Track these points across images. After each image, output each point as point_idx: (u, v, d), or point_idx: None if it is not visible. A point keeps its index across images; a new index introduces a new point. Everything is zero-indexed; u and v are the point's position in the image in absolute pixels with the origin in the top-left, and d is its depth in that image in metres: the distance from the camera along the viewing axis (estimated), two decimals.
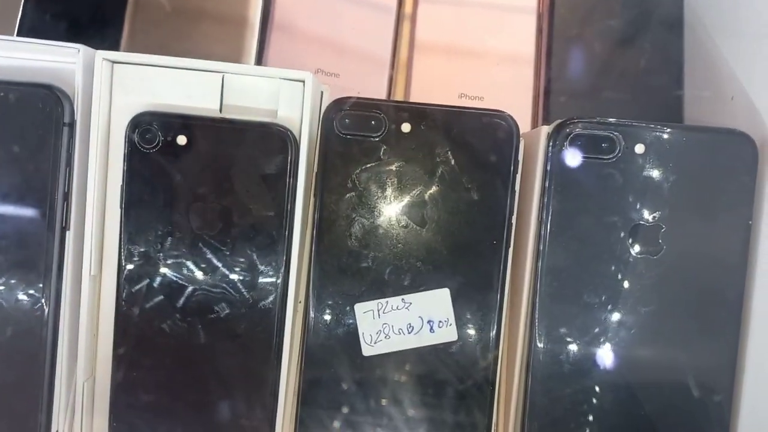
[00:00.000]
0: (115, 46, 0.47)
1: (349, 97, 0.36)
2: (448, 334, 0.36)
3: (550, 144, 0.36)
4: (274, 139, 0.36)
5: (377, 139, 0.36)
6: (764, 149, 0.36)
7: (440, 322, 0.36)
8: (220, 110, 0.37)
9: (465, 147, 0.36)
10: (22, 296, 0.36)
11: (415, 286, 0.36)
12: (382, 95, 0.49)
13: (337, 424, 0.36)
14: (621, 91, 0.47)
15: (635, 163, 0.35)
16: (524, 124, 0.46)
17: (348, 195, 0.36)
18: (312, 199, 0.37)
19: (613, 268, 0.35)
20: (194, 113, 0.36)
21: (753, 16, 0.41)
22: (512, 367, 0.37)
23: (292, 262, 0.36)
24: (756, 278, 0.36)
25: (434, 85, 0.49)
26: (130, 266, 0.36)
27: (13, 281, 0.36)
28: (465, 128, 0.36)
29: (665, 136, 0.35)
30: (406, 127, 0.36)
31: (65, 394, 0.37)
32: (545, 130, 0.36)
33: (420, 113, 0.36)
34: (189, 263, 0.36)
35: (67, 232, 0.36)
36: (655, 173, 0.35)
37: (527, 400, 0.36)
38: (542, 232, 0.36)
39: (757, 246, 0.36)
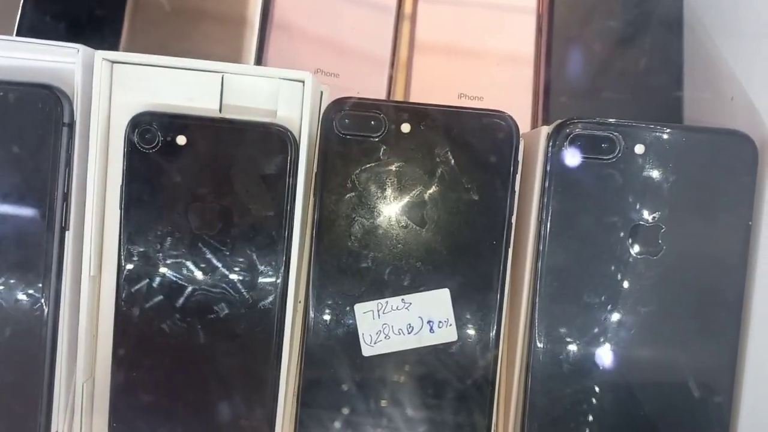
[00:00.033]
0: (114, 46, 0.46)
1: (349, 98, 0.36)
2: (448, 334, 0.36)
3: (550, 144, 0.36)
4: (273, 139, 0.36)
5: (377, 140, 0.36)
6: (764, 150, 0.36)
7: (440, 322, 0.36)
8: (220, 110, 0.37)
9: (465, 147, 0.36)
10: (21, 296, 0.36)
11: (415, 287, 0.36)
12: (382, 95, 0.49)
13: (336, 424, 0.36)
14: (620, 92, 0.47)
15: (635, 163, 0.35)
16: (524, 124, 0.46)
17: (348, 195, 0.36)
18: (312, 199, 0.37)
19: (612, 268, 0.35)
20: (194, 113, 0.36)
21: (753, 16, 0.41)
22: (512, 368, 0.37)
23: (292, 262, 0.36)
24: (756, 279, 0.36)
25: (434, 85, 0.49)
26: (129, 266, 0.36)
27: (12, 281, 0.35)
28: (465, 128, 0.36)
29: (665, 136, 0.35)
30: (405, 128, 0.36)
31: (65, 395, 0.37)
32: (545, 130, 0.36)
33: (420, 113, 0.36)
34: (188, 263, 0.36)
35: (67, 233, 0.36)
36: (655, 174, 0.35)
37: (527, 400, 0.36)
38: (542, 233, 0.36)
39: (757, 246, 0.36)
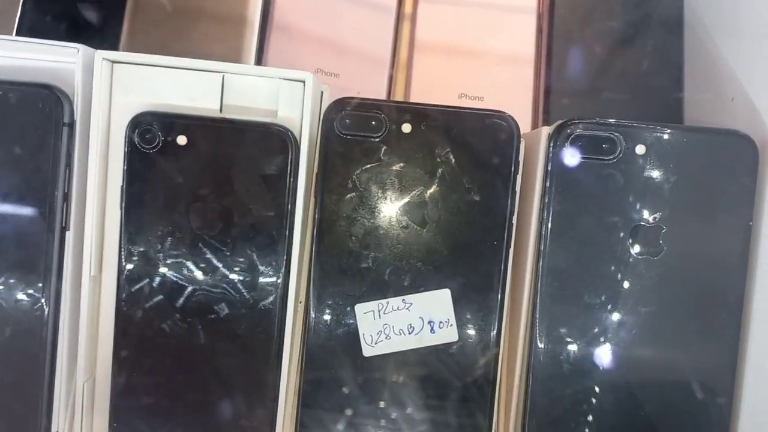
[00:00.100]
0: (114, 46, 0.46)
1: (350, 98, 0.36)
2: (448, 334, 0.36)
3: (551, 145, 0.36)
4: (274, 139, 0.36)
5: (378, 140, 0.36)
6: (764, 150, 0.36)
7: (441, 322, 0.36)
8: (221, 110, 0.37)
9: (466, 147, 0.36)
10: (22, 296, 0.35)
11: (416, 287, 0.36)
12: (382, 95, 0.49)
13: (337, 424, 0.36)
14: (621, 92, 0.47)
15: (636, 163, 0.35)
16: (524, 124, 0.46)
17: (348, 195, 0.36)
18: (312, 199, 0.37)
19: (613, 268, 0.36)
20: (194, 113, 0.36)
21: (753, 16, 0.41)
22: (513, 368, 0.37)
23: (293, 262, 0.36)
24: (756, 279, 0.36)
25: (434, 85, 0.49)
26: (130, 266, 0.36)
27: (13, 281, 0.35)
28: (466, 129, 0.36)
29: (666, 136, 0.35)
30: (406, 128, 0.36)
31: (65, 395, 0.37)
32: (546, 130, 0.36)
33: (420, 114, 0.36)
34: (189, 263, 0.36)
35: (67, 233, 0.36)
36: (656, 174, 0.35)
37: (528, 400, 0.36)
38: (543, 233, 0.36)
39: (758, 247, 0.36)
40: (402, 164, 0.36)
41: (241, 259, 0.36)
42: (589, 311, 0.36)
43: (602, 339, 0.36)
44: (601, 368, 0.36)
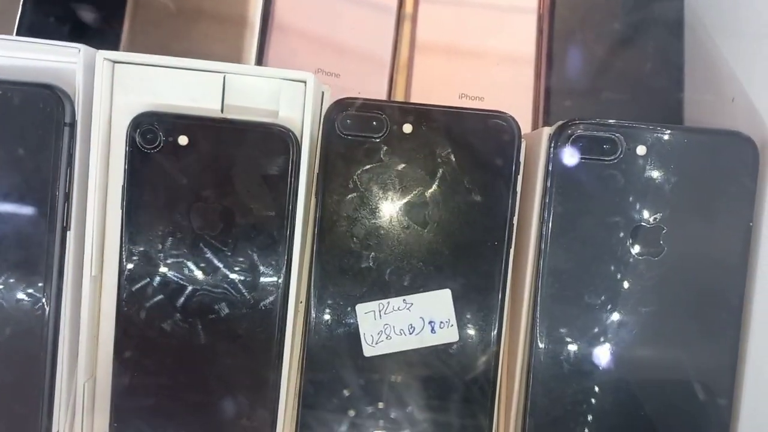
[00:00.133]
0: (114, 46, 0.46)
1: (351, 98, 0.36)
2: (449, 334, 0.36)
3: (552, 145, 0.36)
4: (275, 139, 0.36)
5: (378, 140, 0.36)
6: (765, 151, 0.36)
7: (441, 322, 0.36)
8: (222, 110, 0.37)
9: (466, 148, 0.36)
10: (22, 296, 0.35)
11: (417, 287, 0.36)
12: (383, 95, 0.49)
13: (338, 424, 0.36)
14: (621, 92, 0.47)
15: (637, 164, 0.35)
16: (524, 125, 0.46)
17: (349, 196, 0.36)
18: (313, 199, 0.37)
19: (614, 269, 0.36)
20: (195, 113, 0.36)
21: (753, 16, 0.41)
22: (513, 368, 0.37)
23: (294, 262, 0.36)
24: (756, 280, 0.36)
25: (435, 86, 0.49)
26: (130, 266, 0.36)
27: (14, 281, 0.35)
28: (466, 129, 0.36)
29: (666, 137, 0.35)
30: (407, 128, 0.36)
31: (66, 395, 0.37)
32: (547, 131, 0.36)
33: (421, 114, 0.36)
34: (190, 264, 0.36)
35: (68, 233, 0.36)
36: (657, 174, 0.35)
37: (528, 400, 0.36)
38: (544, 233, 0.36)
39: (758, 248, 0.36)
40: (403, 164, 0.36)
41: (242, 260, 0.36)
42: (589, 311, 0.36)
43: (602, 339, 0.36)
44: (601, 368, 0.36)
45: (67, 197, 0.36)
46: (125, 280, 0.36)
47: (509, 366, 0.38)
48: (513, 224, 0.36)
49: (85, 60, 0.36)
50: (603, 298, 0.36)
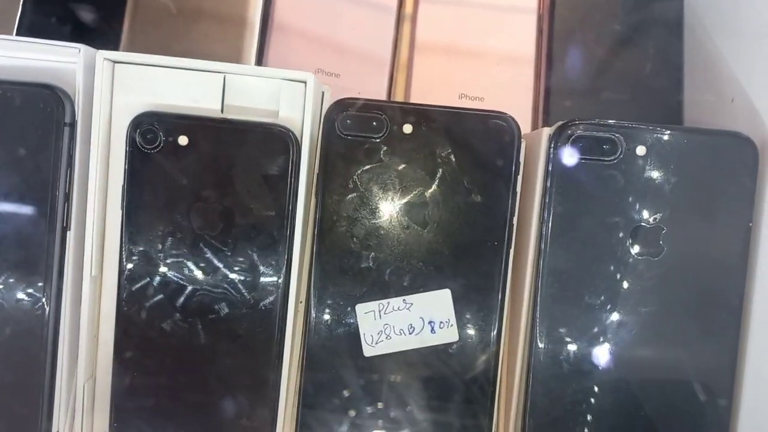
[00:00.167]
0: (114, 47, 0.46)
1: (351, 98, 0.36)
2: (449, 334, 0.36)
3: (552, 145, 0.36)
4: (275, 139, 0.36)
5: (378, 140, 0.36)
6: (764, 151, 0.36)
7: (441, 322, 0.36)
8: (222, 111, 0.37)
9: (466, 148, 0.36)
10: (22, 296, 0.35)
11: (416, 287, 0.36)
12: (383, 95, 0.49)
13: (338, 424, 0.36)
14: (621, 93, 0.47)
15: (636, 164, 0.35)
16: (524, 125, 0.46)
17: (349, 196, 0.36)
18: (313, 199, 0.37)
19: (613, 269, 0.36)
20: (196, 113, 0.36)
21: (753, 16, 0.41)
22: (513, 368, 0.37)
23: (294, 262, 0.36)
24: (756, 280, 0.36)
25: (434, 86, 0.49)
26: (130, 266, 0.36)
27: (14, 281, 0.35)
28: (466, 129, 0.36)
29: (666, 137, 0.35)
30: (407, 128, 0.36)
31: (66, 395, 0.37)
32: (547, 131, 0.36)
33: (421, 114, 0.36)
34: (190, 264, 0.36)
35: (68, 233, 0.36)
36: (656, 175, 0.35)
37: (528, 400, 0.36)
38: (543, 233, 0.36)
39: (758, 248, 0.36)
40: (403, 165, 0.36)
41: (242, 259, 0.36)
42: (589, 311, 0.36)
43: (602, 339, 0.36)
44: (600, 368, 0.36)
45: (67, 197, 0.36)
46: (125, 280, 0.36)
47: (509, 366, 0.38)
48: (513, 224, 0.36)
49: (85, 60, 0.36)
50: (603, 298, 0.36)
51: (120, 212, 0.36)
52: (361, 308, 0.36)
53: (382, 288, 0.36)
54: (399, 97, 0.49)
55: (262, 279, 0.36)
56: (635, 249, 0.36)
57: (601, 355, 0.36)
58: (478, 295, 0.36)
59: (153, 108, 0.36)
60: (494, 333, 0.36)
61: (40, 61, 0.37)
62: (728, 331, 0.35)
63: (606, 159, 0.36)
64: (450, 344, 0.36)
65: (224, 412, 0.36)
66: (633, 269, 0.36)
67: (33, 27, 0.47)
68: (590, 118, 0.36)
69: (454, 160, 0.36)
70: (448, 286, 0.36)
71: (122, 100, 0.37)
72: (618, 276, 0.36)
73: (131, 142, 0.36)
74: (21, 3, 0.47)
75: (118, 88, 0.37)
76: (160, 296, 0.36)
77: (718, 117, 0.42)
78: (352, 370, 0.36)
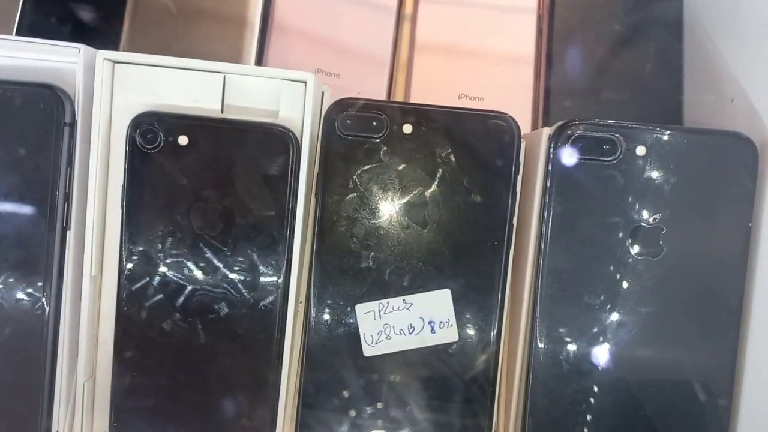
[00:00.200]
0: (113, 47, 0.46)
1: (351, 98, 0.36)
2: (449, 334, 0.36)
3: (552, 145, 0.36)
4: (275, 139, 0.36)
5: (378, 140, 0.36)
6: (764, 151, 0.36)
7: (441, 322, 0.36)
8: (222, 110, 0.37)
9: (466, 148, 0.36)
10: (22, 296, 0.36)
11: (416, 287, 0.36)
12: (382, 95, 0.49)
13: (338, 424, 0.36)
14: (620, 93, 0.47)
15: (636, 164, 0.35)
16: (524, 125, 0.46)
17: (349, 196, 0.36)
18: (313, 199, 0.37)
19: (613, 269, 0.36)
20: (196, 113, 0.36)
21: (753, 16, 0.41)
22: (513, 368, 0.37)
23: (293, 262, 0.36)
24: (756, 280, 0.36)
25: (434, 86, 0.49)
26: (130, 266, 0.36)
27: (13, 281, 0.35)
28: (466, 129, 0.36)
29: (666, 138, 0.35)
30: (407, 128, 0.36)
31: (65, 394, 0.37)
32: (546, 131, 0.36)
33: (421, 114, 0.36)
34: (190, 263, 0.36)
35: (68, 232, 0.36)
36: (656, 175, 0.35)
37: (528, 400, 0.36)
38: (543, 233, 0.36)
39: (757, 248, 0.36)
40: (403, 165, 0.36)
41: (242, 259, 0.36)
42: (589, 311, 0.36)
43: (602, 339, 0.36)
44: (600, 368, 0.36)
45: (67, 197, 0.36)
46: (125, 279, 0.36)
47: (509, 366, 0.38)
48: (513, 224, 0.36)
49: (85, 60, 0.36)
50: (602, 298, 0.36)
51: (120, 212, 0.36)
52: (361, 308, 0.36)
53: (382, 288, 0.36)
54: (399, 97, 0.50)
55: (262, 279, 0.36)
56: (635, 249, 0.36)
57: (601, 355, 0.36)
58: (478, 295, 0.36)
59: (153, 108, 0.36)
60: (494, 333, 0.36)
61: (40, 61, 0.37)
62: (728, 331, 0.35)
63: (606, 159, 0.36)
64: (450, 344, 0.36)
65: (224, 412, 0.36)
66: (633, 269, 0.36)
67: (32, 27, 0.47)
68: (590, 118, 0.36)
69: (454, 160, 0.36)
70: (448, 286, 0.36)
71: (122, 99, 0.37)
72: (618, 276, 0.36)
73: (131, 142, 0.36)
74: (21, 3, 0.47)
75: (118, 88, 0.37)
76: (160, 296, 0.36)
77: (717, 117, 0.42)
78: (352, 370, 0.36)
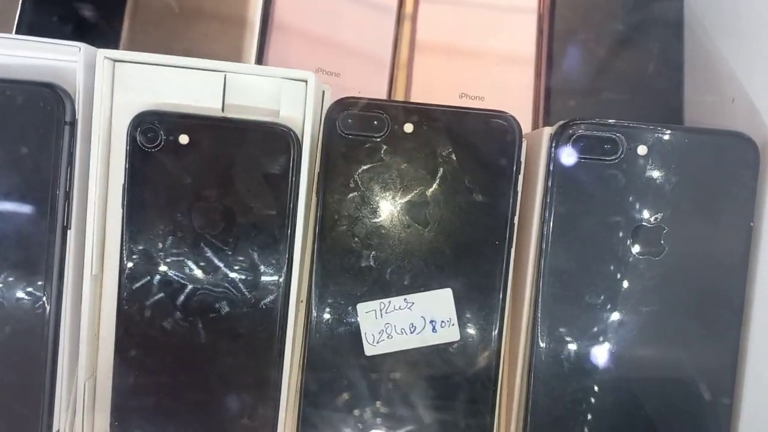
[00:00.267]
0: (114, 46, 0.46)
1: (352, 98, 0.36)
2: (450, 334, 0.36)
3: (553, 145, 0.36)
4: (276, 138, 0.36)
5: (379, 139, 0.36)
6: (765, 151, 0.36)
7: (443, 322, 0.36)
8: (223, 109, 0.37)
9: (467, 147, 0.36)
10: (23, 295, 0.35)
11: (418, 286, 0.36)
12: (383, 95, 0.49)
13: (339, 423, 0.36)
14: (621, 92, 0.47)
15: (637, 164, 0.35)
16: (524, 124, 0.46)
17: (350, 195, 0.36)
18: (314, 198, 0.37)
19: (615, 268, 0.36)
20: (196, 112, 0.36)
21: (753, 16, 0.41)
22: (514, 367, 0.37)
23: (294, 261, 0.36)
24: (757, 280, 0.36)
25: (435, 85, 0.49)
26: (131, 265, 0.36)
27: (14, 280, 0.35)
28: (467, 129, 0.36)
29: (667, 137, 0.35)
30: (408, 128, 0.36)
31: (66, 393, 0.37)
32: (548, 130, 0.36)
33: (422, 113, 0.36)
34: (191, 263, 0.36)
35: (69, 232, 0.36)
36: (657, 174, 0.35)
37: (529, 399, 0.36)
38: (545, 233, 0.36)
39: (758, 247, 0.36)
40: (404, 164, 0.36)
41: (243, 259, 0.36)
42: (590, 311, 0.36)
43: (603, 339, 0.36)
44: (601, 368, 0.36)
45: (68, 196, 0.36)
46: (126, 279, 0.36)
47: (510, 365, 0.38)
48: (514, 224, 0.36)
49: (85, 59, 0.36)
50: (604, 297, 0.36)
51: (121, 211, 0.36)
52: (362, 307, 0.36)
53: (383, 287, 0.36)
54: (399, 96, 0.50)
55: (263, 278, 0.36)
56: (636, 248, 0.36)
57: (602, 354, 0.36)
58: (479, 295, 0.36)
59: (154, 107, 0.36)
60: (495, 332, 0.36)
61: (41, 60, 0.37)
62: (729, 330, 0.35)
63: (607, 158, 0.36)
64: (451, 343, 0.36)
65: (225, 412, 0.36)
66: (634, 269, 0.36)
67: (32, 26, 0.47)
68: (591, 117, 0.36)
69: (455, 159, 0.36)
70: (449, 286, 0.36)
71: (123, 98, 0.37)
72: (619, 276, 0.36)
73: (132, 141, 0.36)
74: (20, 1, 0.47)
75: (118, 87, 0.37)
76: (161, 295, 0.36)
77: (718, 117, 0.42)
78: (354, 370, 0.36)
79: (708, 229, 0.35)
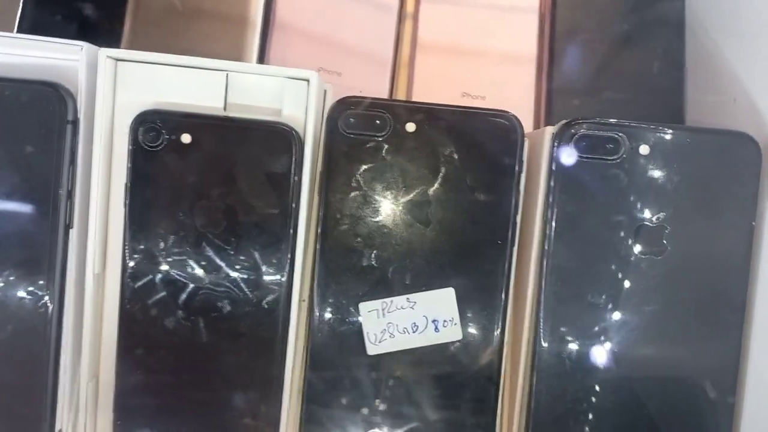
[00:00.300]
0: (115, 45, 0.46)
1: (354, 97, 0.36)
2: (452, 333, 0.36)
3: (555, 144, 0.36)
4: (278, 137, 0.36)
5: (381, 139, 0.36)
6: (767, 151, 0.36)
7: (445, 321, 0.36)
8: (225, 109, 0.37)
9: (469, 147, 0.36)
10: (25, 294, 0.35)
11: (420, 286, 0.36)
12: (384, 94, 0.49)
13: (341, 422, 0.36)
14: (623, 92, 0.47)
15: (639, 164, 0.36)
16: (526, 124, 0.46)
17: (352, 194, 0.36)
18: (316, 197, 0.37)
19: (617, 268, 0.36)
20: (198, 111, 0.36)
21: (754, 16, 0.41)
22: (517, 366, 0.37)
23: (297, 260, 0.36)
24: (759, 279, 0.36)
25: (436, 85, 0.49)
26: (133, 264, 0.36)
27: (16, 279, 0.35)
28: (469, 128, 0.36)
29: (669, 137, 0.36)
30: (410, 127, 0.36)
31: (69, 393, 0.37)
32: (550, 130, 0.36)
33: (424, 113, 0.36)
34: (193, 262, 0.36)
35: (71, 231, 0.36)
36: (660, 174, 0.35)
37: (531, 398, 0.36)
38: (547, 232, 0.36)
39: (761, 247, 0.36)
40: (406, 163, 0.36)
41: (245, 258, 0.36)
42: (592, 310, 0.36)
43: (605, 338, 0.36)
44: (604, 367, 0.36)
45: (70, 195, 0.36)
46: (128, 278, 0.36)
47: (513, 364, 0.38)
48: (516, 223, 0.36)
49: (87, 58, 0.36)
50: (606, 297, 0.36)
51: (123, 210, 0.36)
52: (364, 306, 0.36)
53: (385, 286, 0.36)
54: (401, 95, 0.49)
55: (265, 277, 0.36)
56: (638, 248, 0.36)
57: (604, 353, 0.36)
58: (481, 294, 0.36)
59: (156, 106, 0.36)
60: (498, 331, 0.36)
61: (42, 59, 0.37)
62: (731, 330, 0.35)
63: (609, 158, 0.36)
64: (454, 343, 0.36)
65: (228, 411, 0.36)
66: (636, 268, 0.36)
67: (34, 25, 0.47)
68: (593, 117, 0.36)
69: (457, 158, 0.36)
70: (451, 285, 0.36)
71: (125, 98, 0.37)
72: (621, 275, 0.36)
73: (134, 140, 0.36)
74: (22, 1, 0.47)
75: (120, 86, 0.37)
76: (164, 294, 0.36)
77: (720, 117, 0.42)
78: (356, 369, 0.36)
79: (710, 228, 0.35)
